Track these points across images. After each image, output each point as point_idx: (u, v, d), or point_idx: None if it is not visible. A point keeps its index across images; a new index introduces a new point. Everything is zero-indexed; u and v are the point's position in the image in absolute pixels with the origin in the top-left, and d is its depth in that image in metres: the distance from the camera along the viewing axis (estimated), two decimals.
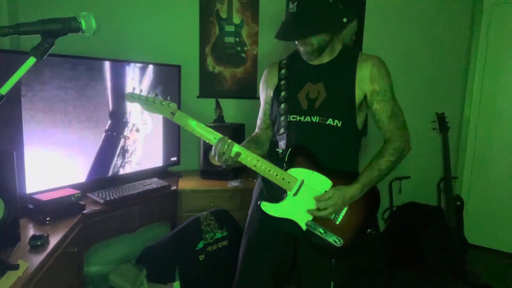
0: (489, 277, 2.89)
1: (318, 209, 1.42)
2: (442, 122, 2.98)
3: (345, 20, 1.40)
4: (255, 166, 1.42)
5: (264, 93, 1.66)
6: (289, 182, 1.43)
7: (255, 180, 1.73)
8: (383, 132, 1.52)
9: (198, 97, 2.98)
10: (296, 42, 1.47)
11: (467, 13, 3.30)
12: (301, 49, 1.46)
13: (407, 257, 2.94)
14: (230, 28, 2.95)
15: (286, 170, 1.44)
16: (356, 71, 1.46)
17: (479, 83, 3.33)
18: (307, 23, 1.36)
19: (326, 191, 1.43)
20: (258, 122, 1.70)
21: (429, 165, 3.40)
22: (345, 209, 1.45)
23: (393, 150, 1.47)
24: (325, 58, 1.49)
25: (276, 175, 1.43)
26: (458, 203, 3.03)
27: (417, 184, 3.34)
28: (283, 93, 1.53)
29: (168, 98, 1.41)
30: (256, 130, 1.70)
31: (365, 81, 1.45)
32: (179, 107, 2.82)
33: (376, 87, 1.45)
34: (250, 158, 1.41)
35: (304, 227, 1.45)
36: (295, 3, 1.36)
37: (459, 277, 2.86)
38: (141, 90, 1.40)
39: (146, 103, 1.39)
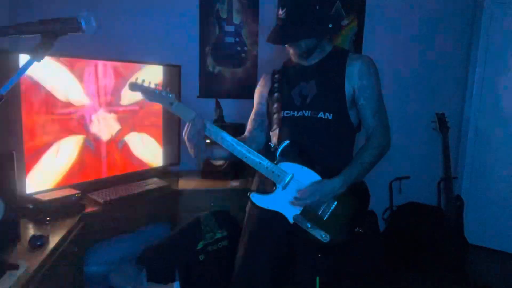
0: (489, 277, 2.89)
1: (296, 199, 1.44)
2: (442, 122, 2.98)
3: (330, 25, 1.50)
4: (246, 157, 1.48)
5: (258, 95, 1.72)
6: (278, 176, 1.47)
7: (255, 180, 1.74)
8: (366, 128, 1.55)
9: (198, 97, 2.98)
10: (286, 45, 1.54)
11: (467, 13, 3.30)
12: (291, 51, 1.54)
13: (407, 257, 2.94)
14: (230, 28, 2.94)
15: (276, 164, 1.48)
16: (346, 67, 1.52)
17: (479, 83, 3.33)
18: (295, 28, 1.45)
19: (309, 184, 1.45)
20: (248, 125, 1.74)
21: (429, 165, 3.39)
22: (334, 205, 1.47)
23: (375, 146, 1.50)
24: (316, 59, 1.56)
25: (266, 167, 1.47)
26: (458, 203, 3.03)
27: (417, 184, 3.33)
28: (276, 94, 1.60)
29: (168, 89, 1.48)
30: (246, 133, 1.73)
31: (354, 76, 1.51)
32: None
33: (364, 82, 1.50)
34: (241, 148, 1.47)
35: (291, 220, 1.48)
36: (284, 10, 1.44)
37: (459, 277, 2.85)
38: (143, 80, 1.48)
39: (147, 92, 1.48)
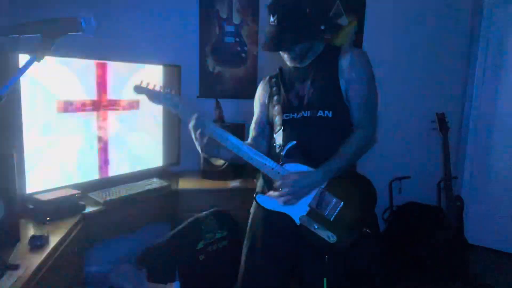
0: (489, 277, 2.89)
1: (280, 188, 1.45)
2: (442, 122, 2.98)
3: (322, 27, 1.49)
4: (251, 159, 1.48)
5: (257, 103, 1.73)
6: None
7: (255, 180, 1.74)
8: (353, 120, 1.53)
9: (198, 97, 2.98)
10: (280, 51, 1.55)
11: (467, 13, 3.30)
12: (285, 56, 1.56)
13: (407, 257, 2.94)
14: (230, 28, 2.94)
15: (282, 165, 1.48)
16: (338, 62, 1.52)
17: (479, 83, 3.33)
18: (287, 34, 1.46)
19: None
20: (250, 132, 1.74)
21: (429, 165, 3.39)
22: (340, 205, 1.46)
23: (360, 136, 1.49)
24: (309, 59, 1.57)
25: (272, 169, 1.47)
26: (458, 203, 3.03)
27: (417, 184, 3.33)
28: (275, 97, 1.61)
29: (173, 92, 1.55)
30: (249, 140, 1.73)
31: (346, 69, 1.51)
32: None
33: (353, 74, 1.50)
34: (246, 149, 1.48)
35: (297, 221, 1.47)
36: (275, 16, 1.45)
37: (459, 277, 2.85)
38: (147, 83, 1.55)
39: (153, 95, 1.55)
